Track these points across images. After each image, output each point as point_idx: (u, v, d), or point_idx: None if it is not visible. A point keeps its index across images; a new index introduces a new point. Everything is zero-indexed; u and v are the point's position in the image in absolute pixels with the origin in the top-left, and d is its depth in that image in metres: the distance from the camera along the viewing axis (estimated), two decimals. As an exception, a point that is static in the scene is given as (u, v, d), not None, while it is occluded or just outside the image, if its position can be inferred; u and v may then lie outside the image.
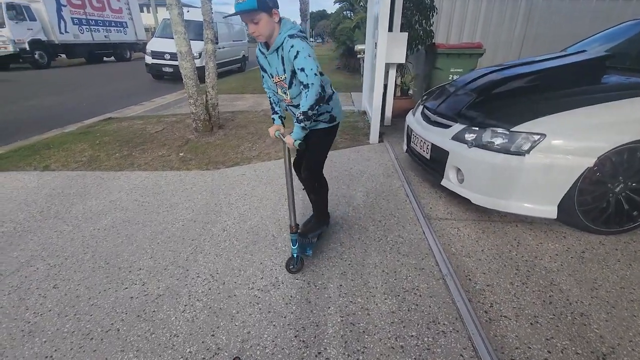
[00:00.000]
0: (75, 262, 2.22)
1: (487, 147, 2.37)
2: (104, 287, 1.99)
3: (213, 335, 1.64)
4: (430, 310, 1.75)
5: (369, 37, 5.68)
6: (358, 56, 10.13)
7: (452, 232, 2.45)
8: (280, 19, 1.69)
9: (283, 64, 1.72)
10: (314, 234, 2.23)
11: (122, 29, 19.48)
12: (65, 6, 15.55)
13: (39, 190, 3.28)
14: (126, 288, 1.98)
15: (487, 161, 2.35)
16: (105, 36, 18.18)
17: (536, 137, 2.20)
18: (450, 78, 5.01)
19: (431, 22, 5.43)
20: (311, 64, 1.61)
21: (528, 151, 2.20)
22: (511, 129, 2.29)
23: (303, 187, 2.23)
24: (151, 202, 3.03)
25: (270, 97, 2.05)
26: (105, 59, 18.93)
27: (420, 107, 3.38)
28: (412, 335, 1.61)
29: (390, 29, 4.07)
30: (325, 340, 1.60)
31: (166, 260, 2.23)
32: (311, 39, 34.15)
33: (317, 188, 2.15)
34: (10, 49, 13.36)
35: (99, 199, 3.10)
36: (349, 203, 2.93)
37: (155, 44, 10.96)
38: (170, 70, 10.70)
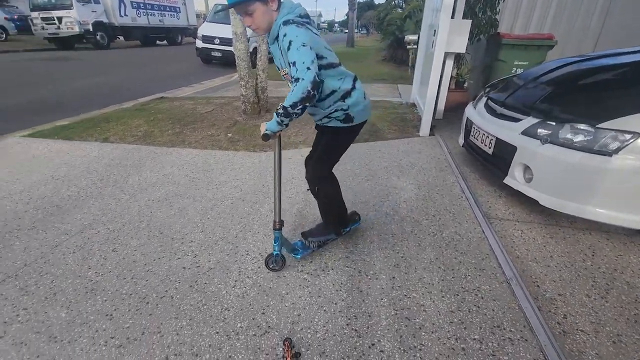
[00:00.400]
0: (132, 229, 2.30)
1: (564, 144, 2.14)
2: (158, 255, 2.04)
3: (263, 314, 1.62)
4: (494, 315, 1.61)
5: (425, 25, 5.42)
6: (408, 47, 9.77)
7: (515, 234, 2.26)
8: (280, 4, 1.49)
9: (283, 56, 1.50)
10: (315, 239, 2.00)
11: (175, 14, 20.23)
12: (126, -10, 16.39)
13: (100, 160, 3.46)
14: (179, 258, 2.01)
15: (563, 160, 2.13)
16: (159, 20, 18.98)
17: (627, 137, 1.94)
18: (513, 71, 4.66)
19: (497, 10, 5.05)
20: (304, 55, 1.36)
21: (616, 151, 1.96)
22: (597, 126, 2.04)
23: (308, 188, 2.01)
24: (201, 178, 3.08)
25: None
26: (158, 42, 19.80)
27: (484, 99, 3.15)
28: (475, 339, 1.49)
29: (452, 16, 3.82)
30: (379, 332, 1.52)
31: (216, 235, 2.24)
32: (355, 30, 33.56)
33: (318, 192, 1.87)
34: (76, 29, 14.30)
35: (153, 172, 3.20)
36: (400, 195, 2.80)
37: (206, 29, 11.24)
38: (219, 54, 10.94)
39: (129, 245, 2.13)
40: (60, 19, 14.11)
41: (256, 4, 1.42)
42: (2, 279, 1.83)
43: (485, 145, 2.77)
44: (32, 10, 14.46)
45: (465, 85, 5.41)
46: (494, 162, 2.71)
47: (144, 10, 17.74)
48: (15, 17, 17.77)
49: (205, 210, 2.55)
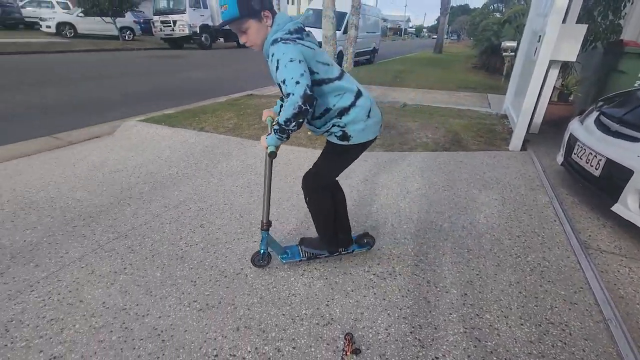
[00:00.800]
0: (217, 209, 2.55)
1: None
2: (238, 236, 2.23)
3: (327, 305, 1.66)
4: (585, 356, 1.42)
5: (528, 31, 4.95)
6: (504, 54, 9.03)
7: (621, 271, 1.94)
8: (274, 19, 1.43)
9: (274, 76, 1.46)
10: (307, 249, 1.94)
11: (270, 18, 21.63)
12: (230, -4, 18.06)
13: (196, 146, 3.89)
14: (255, 241, 2.17)
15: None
16: (256, 24, 20.50)
17: None
18: (636, 85, 3.99)
19: (622, 15, 4.39)
20: (292, 71, 1.31)
21: None
22: None
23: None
24: (281, 171, 3.27)
25: None
26: (252, 44, 21.39)
27: (594, 114, 2.77)
28: (557, 377, 1.33)
29: (563, 20, 3.43)
30: (444, 347, 1.45)
31: (290, 225, 2.36)
32: (445, 36, 31.99)
33: (309, 203, 1.81)
34: (187, 31, 16.22)
35: (238, 161, 3.50)
36: (480, 209, 2.62)
37: (297, 32, 11.80)
38: (306, 56, 11.41)
39: (214, 223, 2.37)
40: (174, 22, 16.16)
41: (249, 21, 1.38)
42: (115, 236, 2.18)
43: (591, 166, 2.44)
44: (154, 14, 16.86)
45: (571, 97, 4.80)
46: (600, 185, 2.37)
47: (243, 15, 19.33)
48: (141, 20, 20.84)
49: (281, 200, 2.71)
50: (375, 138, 1.63)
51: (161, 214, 2.47)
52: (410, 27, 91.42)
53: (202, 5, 16.67)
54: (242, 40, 1.45)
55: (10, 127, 4.39)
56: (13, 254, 1.97)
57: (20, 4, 19.09)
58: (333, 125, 1.54)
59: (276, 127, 1.41)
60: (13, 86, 6.69)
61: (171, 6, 16.39)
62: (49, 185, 2.82)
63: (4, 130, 4.20)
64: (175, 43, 16.97)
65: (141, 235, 2.20)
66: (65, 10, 17.95)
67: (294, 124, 1.36)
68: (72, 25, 16.87)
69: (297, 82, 1.30)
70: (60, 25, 16.57)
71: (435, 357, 1.41)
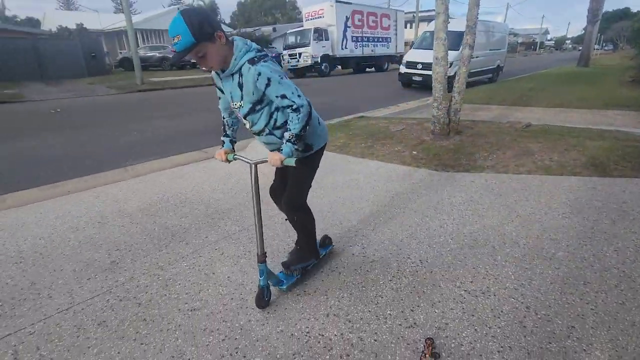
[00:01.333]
0: (323, 217, 2.85)
1: None
2: (336, 240, 2.47)
3: (412, 311, 1.73)
4: None
5: None
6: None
7: None
8: (227, 39, 1.47)
9: (241, 90, 1.53)
10: (297, 266, 1.97)
11: (386, 43, 22.32)
12: (349, 27, 19.44)
13: (308, 161, 4.37)
14: (350, 246, 2.37)
15: None
16: (371, 50, 21.41)
17: None
18: None
19: None
20: (289, 86, 1.48)
21: None
22: None
23: (286, 218, 1.97)
24: (380, 187, 3.42)
25: (224, 119, 1.85)
26: (367, 69, 22.34)
27: None
28: None
29: None
30: (537, 375, 1.36)
31: (384, 236, 2.49)
32: (596, 46, 27.10)
33: (297, 222, 1.91)
34: (309, 62, 18.10)
35: (343, 175, 3.80)
36: (609, 241, 2.25)
37: (411, 55, 11.93)
38: (420, 79, 11.39)
39: (318, 227, 2.66)
40: (300, 54, 18.24)
41: (205, 44, 1.40)
42: (240, 229, 2.68)
43: None
44: (284, 49, 19.40)
45: None
46: None
47: (360, 43, 20.49)
48: (273, 55, 24.15)
49: (378, 213, 2.86)
50: (326, 143, 1.84)
51: (274, 215, 2.90)
52: (549, 40, 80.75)
53: (324, 38, 18.39)
54: (202, 65, 1.48)
55: (173, 145, 5.74)
56: (173, 233, 2.64)
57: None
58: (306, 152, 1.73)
59: (292, 139, 1.53)
60: (185, 113, 8.65)
61: (298, 41, 18.60)
62: (197, 187, 3.62)
63: (174, 145, 5.51)
64: (298, 72, 19.06)
65: (253, 233, 2.65)
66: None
67: (304, 130, 1.54)
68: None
69: (299, 95, 1.50)
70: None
71: (524, 382, 1.33)
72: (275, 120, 1.62)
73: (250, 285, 1.98)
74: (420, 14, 29.20)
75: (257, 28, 23.30)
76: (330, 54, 19.03)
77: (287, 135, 1.54)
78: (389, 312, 1.73)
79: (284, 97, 1.49)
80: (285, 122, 1.61)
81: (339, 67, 20.69)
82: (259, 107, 1.57)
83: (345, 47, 19.60)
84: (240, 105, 1.59)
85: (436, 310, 1.72)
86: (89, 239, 2.61)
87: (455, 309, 1.73)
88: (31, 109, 9.63)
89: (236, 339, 1.62)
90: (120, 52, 26.49)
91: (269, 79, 1.46)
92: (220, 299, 1.89)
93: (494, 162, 3.94)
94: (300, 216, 1.93)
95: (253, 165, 1.68)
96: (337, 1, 18.60)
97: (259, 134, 1.70)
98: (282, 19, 48.57)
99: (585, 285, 1.85)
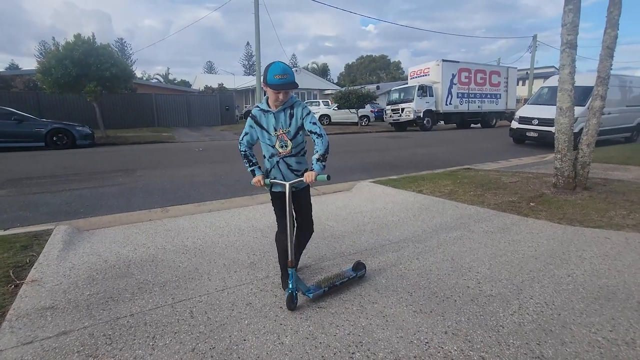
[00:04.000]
0: (432, 251, 2.94)
1: None
2: (449, 272, 2.52)
3: (538, 344, 1.69)
4: None
5: None
6: None
7: None
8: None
9: (290, 119, 2.08)
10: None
11: (495, 100, 21.55)
12: (455, 84, 19.53)
13: (414, 205, 4.50)
14: (465, 279, 2.40)
15: None
16: (478, 106, 20.88)
17: None
18: None
19: None
20: (318, 122, 2.12)
21: None
22: None
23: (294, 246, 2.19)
24: (493, 231, 3.34)
25: (245, 151, 2.22)
26: (472, 125, 21.67)
27: None
28: None
29: None
30: None
31: (501, 275, 2.45)
32: None
33: (309, 237, 2.50)
34: (412, 116, 18.54)
35: (452, 219, 3.81)
36: None
37: (525, 111, 11.34)
38: (535, 135, 10.64)
39: (428, 259, 2.77)
40: (402, 109, 18.90)
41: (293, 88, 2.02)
42: (355, 251, 2.94)
43: None
44: (387, 104, 20.39)
45: None
46: None
47: (467, 99, 20.25)
48: (376, 110, 25.47)
49: (494, 255, 2.81)
50: None
51: (385, 244, 3.11)
52: None
53: (428, 94, 18.80)
54: (282, 98, 2.02)
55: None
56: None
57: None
58: (305, 167, 2.22)
59: (321, 157, 2.07)
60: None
61: (402, 97, 19.40)
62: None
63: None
64: (400, 126, 19.61)
65: (371, 254, 2.88)
66: (326, 106, 24.40)
67: (327, 154, 2.10)
68: (328, 116, 22.67)
69: (324, 130, 2.11)
70: (322, 117, 22.58)
71: None
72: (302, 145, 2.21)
73: (368, 297, 2.19)
74: (535, 71, 27.67)
75: (362, 86, 25.11)
76: (434, 109, 19.22)
77: (316, 155, 2.07)
78: (511, 341, 1.72)
79: (314, 124, 2.08)
80: (302, 150, 2.21)
81: (442, 122, 20.59)
82: (300, 132, 2.14)
83: (450, 103, 19.59)
84: (289, 131, 2.10)
85: (567, 349, 1.64)
86: (232, 244, 3.19)
87: (591, 351, 1.62)
88: (182, 147, 12.08)
89: (359, 335, 1.82)
90: (245, 106, 31.44)
91: (309, 113, 2.11)
92: (340, 302, 2.14)
93: (636, 222, 3.47)
94: (312, 233, 2.50)
95: (288, 185, 2.08)
96: (443, 60, 19.11)
97: (293, 156, 2.18)
98: (386, 78, 51.38)
99: None
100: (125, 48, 46.98)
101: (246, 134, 2.19)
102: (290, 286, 2.05)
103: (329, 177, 2.00)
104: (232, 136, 16.05)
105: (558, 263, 2.61)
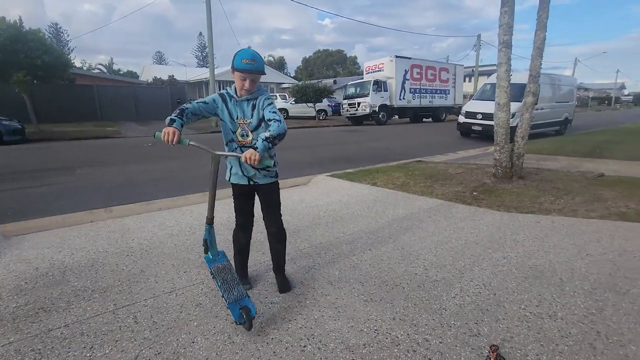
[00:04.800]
0: (382, 240, 3.04)
1: None
2: (398, 261, 2.63)
3: (476, 323, 1.82)
4: None
5: None
6: None
7: None
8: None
9: (252, 111, 1.98)
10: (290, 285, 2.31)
11: (444, 95, 22.70)
12: (408, 80, 20.27)
13: (368, 197, 4.62)
14: (413, 267, 2.52)
15: None
16: (429, 101, 21.87)
17: None
18: None
19: None
20: (278, 111, 1.99)
21: None
22: None
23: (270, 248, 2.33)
24: (440, 220, 3.54)
25: (185, 108, 1.90)
26: (424, 119, 22.66)
27: None
28: None
29: None
30: (608, 390, 1.37)
31: (446, 261, 2.60)
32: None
33: (282, 239, 2.28)
34: (368, 111, 18.97)
35: (403, 210, 3.97)
36: (697, 287, 2.13)
37: (471, 106, 12.08)
38: (479, 128, 11.39)
39: (380, 249, 2.86)
40: (359, 104, 19.26)
41: (260, 75, 1.95)
42: (309, 246, 2.96)
43: None
44: (343, 99, 20.66)
45: None
46: None
47: (418, 94, 21.11)
48: (333, 104, 25.70)
49: (440, 242, 2.97)
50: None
51: (340, 237, 3.16)
52: (626, 95, 75.13)
53: (382, 89, 19.33)
54: (248, 87, 1.91)
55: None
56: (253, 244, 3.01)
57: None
58: (274, 162, 2.07)
59: (270, 138, 1.77)
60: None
61: (358, 92, 19.75)
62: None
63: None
64: (357, 120, 19.97)
65: (325, 248, 2.92)
66: (284, 100, 24.15)
67: (280, 138, 1.83)
68: (286, 110, 22.49)
69: (283, 120, 1.95)
70: (279, 111, 22.30)
71: (594, 394, 1.36)
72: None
73: (321, 290, 2.22)
74: (480, 69, 29.48)
75: (319, 80, 25.20)
76: (388, 104, 19.79)
77: (265, 134, 1.80)
78: (452, 322, 1.84)
79: (275, 112, 1.94)
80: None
81: (396, 116, 21.29)
82: (260, 124, 2.01)
83: (403, 98, 20.30)
84: (250, 122, 1.99)
85: (500, 325, 1.79)
86: (183, 243, 3.07)
87: (520, 326, 1.78)
88: (129, 143, 11.32)
89: (311, 328, 1.84)
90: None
91: (270, 103, 2.01)
92: (294, 296, 2.15)
93: (561, 207, 3.86)
94: (284, 234, 2.29)
95: (215, 156, 1.83)
96: (397, 56, 19.72)
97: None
98: (343, 73, 51.97)
99: (665, 321, 1.79)
100: (61, 34, 42.87)
101: (204, 102, 1.98)
102: (204, 236, 2.04)
103: (275, 164, 1.90)
104: (185, 131, 15.34)
105: (495, 247, 2.83)
